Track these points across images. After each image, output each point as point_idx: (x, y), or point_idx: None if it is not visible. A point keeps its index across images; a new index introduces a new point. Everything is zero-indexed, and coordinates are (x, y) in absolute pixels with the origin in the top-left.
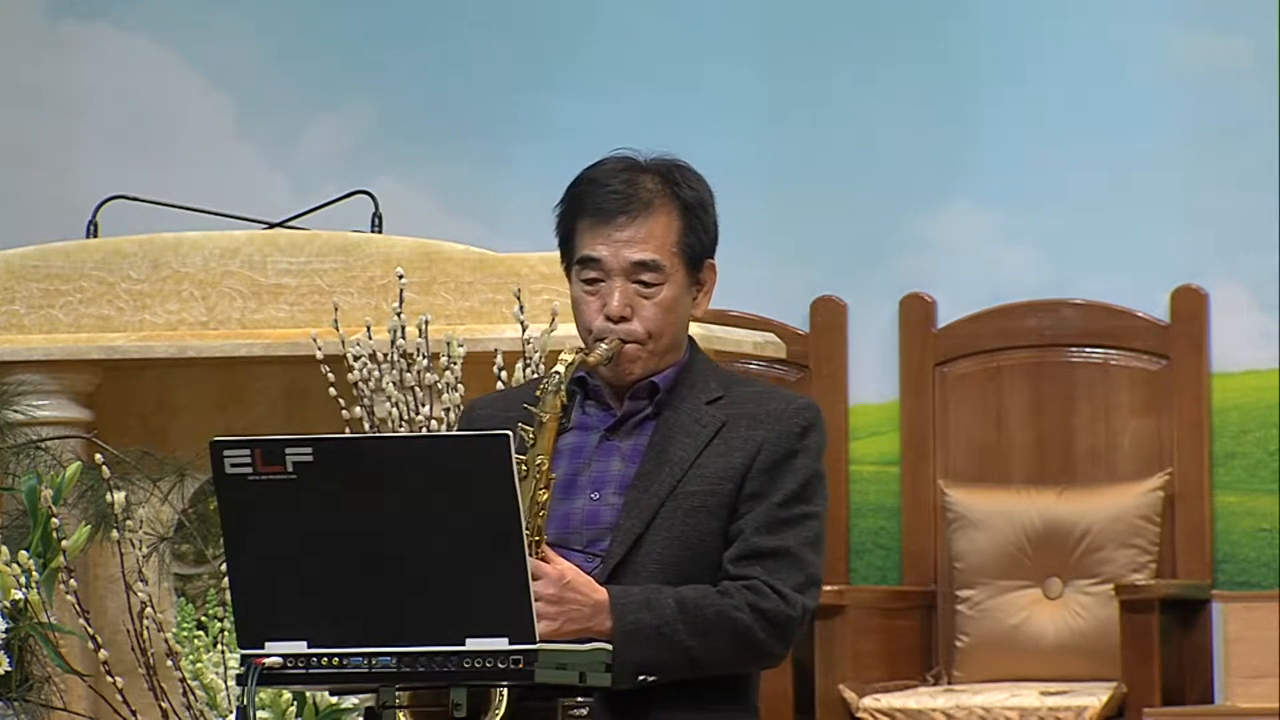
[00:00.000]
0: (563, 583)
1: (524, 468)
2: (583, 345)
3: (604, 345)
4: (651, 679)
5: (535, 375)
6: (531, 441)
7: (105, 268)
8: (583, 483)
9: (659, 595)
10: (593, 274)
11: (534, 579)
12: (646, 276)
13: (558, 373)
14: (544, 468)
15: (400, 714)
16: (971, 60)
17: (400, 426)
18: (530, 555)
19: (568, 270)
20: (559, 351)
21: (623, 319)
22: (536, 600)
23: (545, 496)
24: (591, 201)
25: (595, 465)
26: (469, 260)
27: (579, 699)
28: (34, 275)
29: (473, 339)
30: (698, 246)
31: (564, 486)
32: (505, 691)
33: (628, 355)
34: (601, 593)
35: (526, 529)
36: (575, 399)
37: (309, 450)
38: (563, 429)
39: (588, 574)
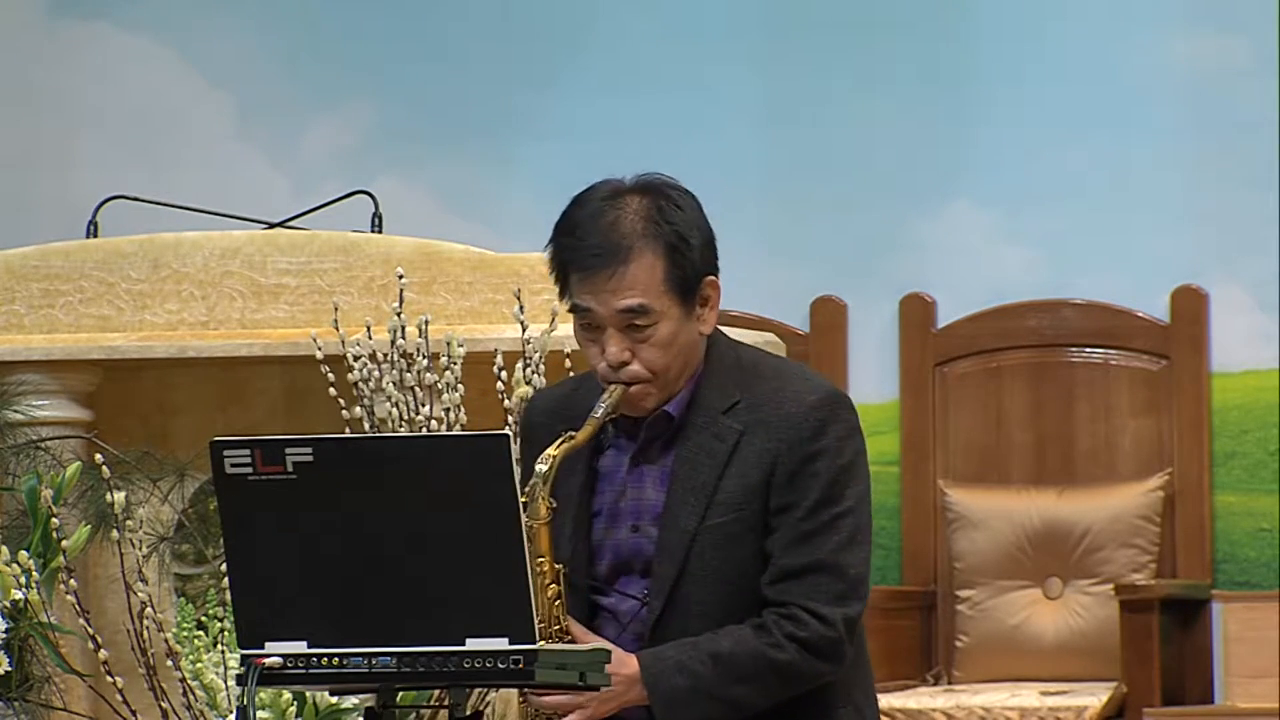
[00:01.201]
0: None
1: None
2: (570, 434)
3: (603, 403)
4: None
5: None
6: (531, 542)
7: (105, 268)
8: (621, 510)
9: (692, 653)
10: (587, 321)
11: None
12: (639, 321)
13: (540, 473)
14: (547, 566)
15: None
16: (971, 60)
17: (400, 426)
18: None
19: (569, 311)
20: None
21: (623, 364)
22: (568, 691)
23: (556, 590)
24: (573, 257)
25: (629, 492)
26: (469, 260)
27: None
28: (34, 275)
29: (473, 339)
30: (685, 279)
31: (610, 516)
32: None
33: (636, 395)
34: (632, 664)
35: (540, 620)
36: (604, 427)
37: (309, 450)
38: (599, 447)
39: (638, 618)
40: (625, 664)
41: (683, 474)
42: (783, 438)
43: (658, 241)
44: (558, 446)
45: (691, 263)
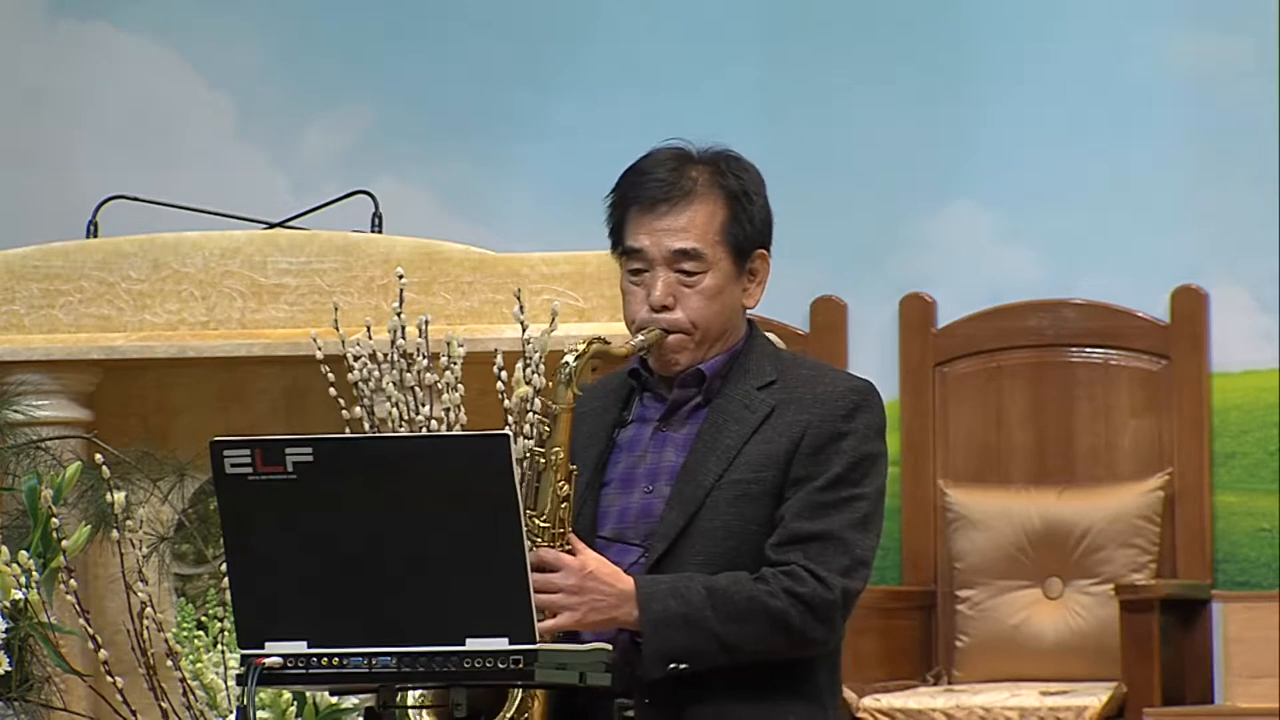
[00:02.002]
0: (584, 572)
1: (542, 460)
2: (599, 337)
3: (641, 336)
4: (683, 667)
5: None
6: (547, 433)
7: (105, 268)
8: (639, 475)
9: (688, 583)
10: (637, 264)
11: (555, 570)
12: (688, 265)
13: (568, 364)
14: (562, 458)
15: (426, 714)
16: (971, 60)
17: (400, 426)
18: (554, 547)
19: (618, 261)
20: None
21: (665, 308)
22: (557, 592)
23: (566, 489)
24: (636, 191)
25: (650, 457)
26: (469, 260)
27: (633, 699)
28: (34, 275)
29: (473, 339)
30: (743, 235)
31: (623, 481)
32: (517, 691)
33: (672, 345)
34: (627, 582)
35: (546, 521)
36: (633, 393)
37: (309, 450)
38: (622, 423)
39: (636, 566)
40: (620, 579)
41: (708, 436)
42: (815, 411)
43: (721, 191)
44: (588, 343)
45: (751, 220)
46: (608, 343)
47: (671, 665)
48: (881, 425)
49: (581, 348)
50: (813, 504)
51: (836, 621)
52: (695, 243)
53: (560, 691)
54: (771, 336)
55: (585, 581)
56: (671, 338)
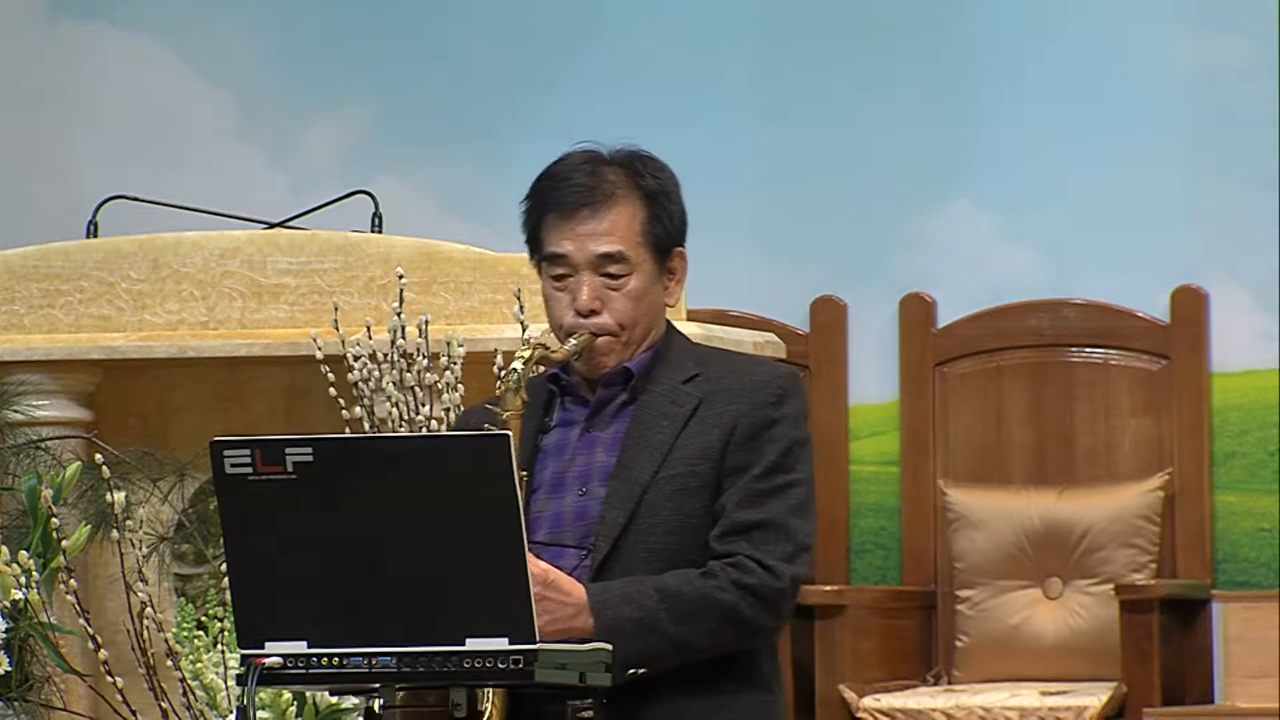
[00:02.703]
0: (545, 582)
1: None
2: (540, 343)
3: (573, 340)
4: (642, 672)
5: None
6: None
7: (105, 268)
8: (569, 479)
9: (640, 587)
10: (560, 270)
11: None
12: (613, 268)
13: (515, 369)
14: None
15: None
16: (971, 60)
17: (400, 426)
18: None
19: (537, 267)
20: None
21: (592, 312)
22: None
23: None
24: (555, 197)
25: (579, 459)
26: (469, 260)
27: (587, 700)
28: (34, 275)
29: (473, 339)
30: (663, 235)
31: (552, 485)
32: (494, 694)
33: (600, 348)
34: (581, 591)
35: None
36: (554, 397)
37: (309, 450)
38: (545, 428)
39: (578, 569)
40: (575, 589)
41: (638, 433)
42: (745, 400)
43: (639, 192)
44: (530, 348)
45: (671, 219)
46: (548, 348)
47: (630, 671)
48: (806, 411)
49: (528, 353)
50: (752, 492)
51: (785, 609)
52: (619, 245)
53: (512, 694)
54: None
55: (546, 591)
56: (600, 340)
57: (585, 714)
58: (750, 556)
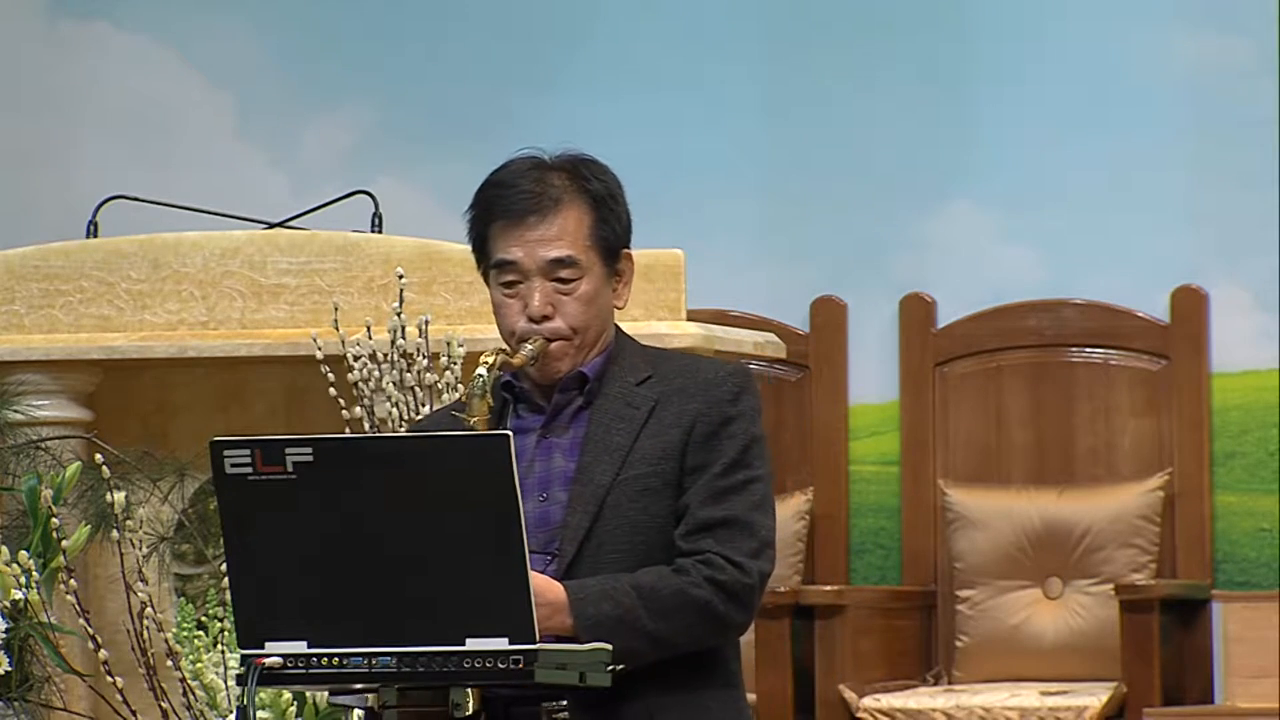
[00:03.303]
0: None
1: None
2: (500, 350)
3: (529, 346)
4: (620, 668)
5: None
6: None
7: (105, 268)
8: (529, 485)
9: (616, 584)
10: (511, 276)
11: None
12: (564, 273)
13: (481, 376)
14: None
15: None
16: (971, 60)
17: (400, 426)
18: None
19: (485, 275)
20: (480, 354)
21: (545, 318)
22: None
23: None
24: (502, 204)
25: (537, 465)
26: (469, 260)
27: (561, 701)
28: (34, 275)
29: (473, 339)
30: (611, 238)
31: None
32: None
33: (554, 353)
34: (558, 590)
35: None
36: (507, 405)
37: (309, 450)
38: None
39: (545, 575)
40: (551, 588)
41: (597, 437)
42: (702, 399)
43: (586, 196)
44: (493, 354)
45: (619, 220)
46: (510, 354)
47: (609, 668)
48: (760, 407)
49: (492, 359)
50: (714, 490)
51: (754, 604)
52: (569, 250)
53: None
54: (772, 335)
55: None
56: (554, 345)
57: (560, 715)
58: (718, 553)
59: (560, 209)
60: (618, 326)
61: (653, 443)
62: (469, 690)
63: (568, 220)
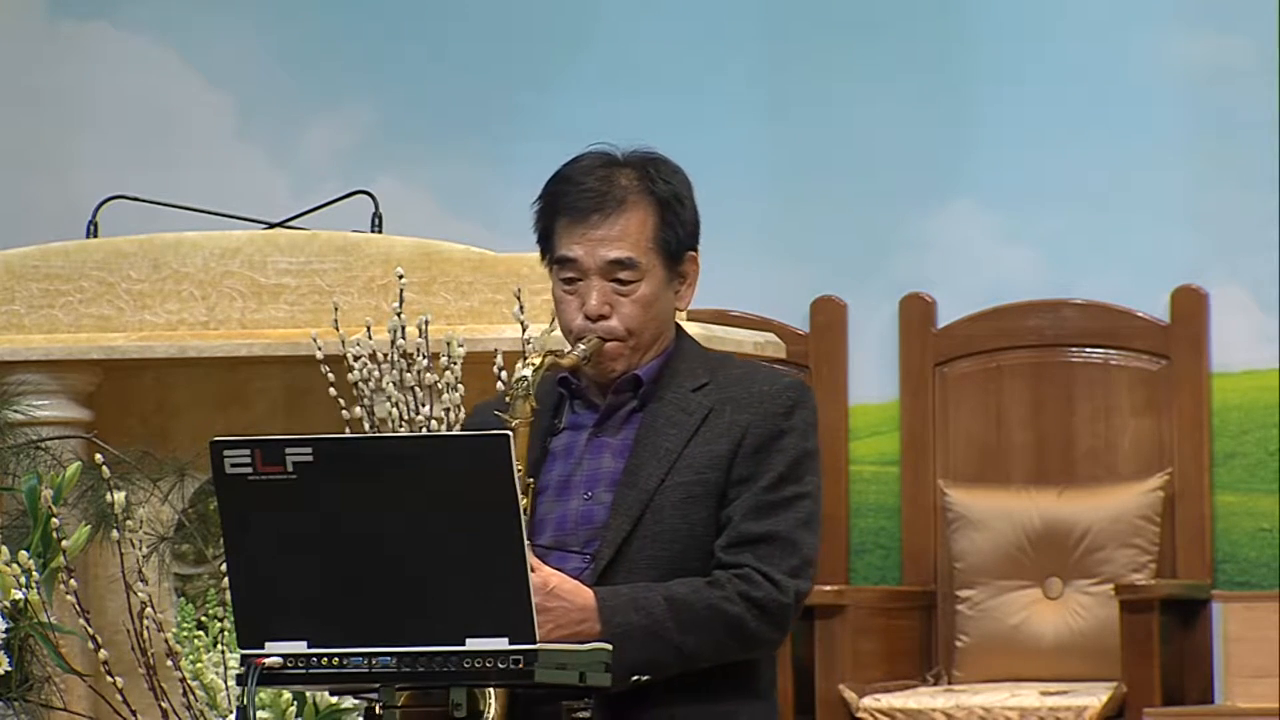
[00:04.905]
0: (546, 590)
1: None
2: (551, 351)
3: (582, 345)
4: (645, 678)
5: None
6: None
7: (105, 268)
8: (576, 482)
9: (647, 594)
10: (570, 274)
11: None
12: (623, 275)
13: (524, 377)
14: (520, 473)
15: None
16: (971, 60)
17: (400, 426)
18: None
19: (549, 268)
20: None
21: (601, 317)
22: None
23: (525, 502)
24: (566, 200)
25: (587, 463)
26: (469, 260)
27: (583, 700)
28: (34, 275)
29: (473, 339)
30: (674, 241)
31: (559, 488)
32: (495, 693)
33: (609, 353)
34: (588, 596)
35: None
36: (564, 400)
37: (309, 450)
38: (554, 430)
39: (581, 575)
40: (581, 594)
41: (647, 440)
42: (754, 410)
43: (651, 198)
44: (541, 355)
45: (683, 225)
46: (560, 355)
47: (634, 677)
48: (815, 422)
49: (537, 362)
50: (759, 504)
51: (788, 623)
52: (629, 251)
53: (511, 695)
54: (772, 335)
55: (547, 600)
56: (609, 345)
57: (582, 714)
58: (756, 569)
59: (624, 209)
60: (680, 328)
61: (701, 450)
62: (491, 697)
63: (630, 221)
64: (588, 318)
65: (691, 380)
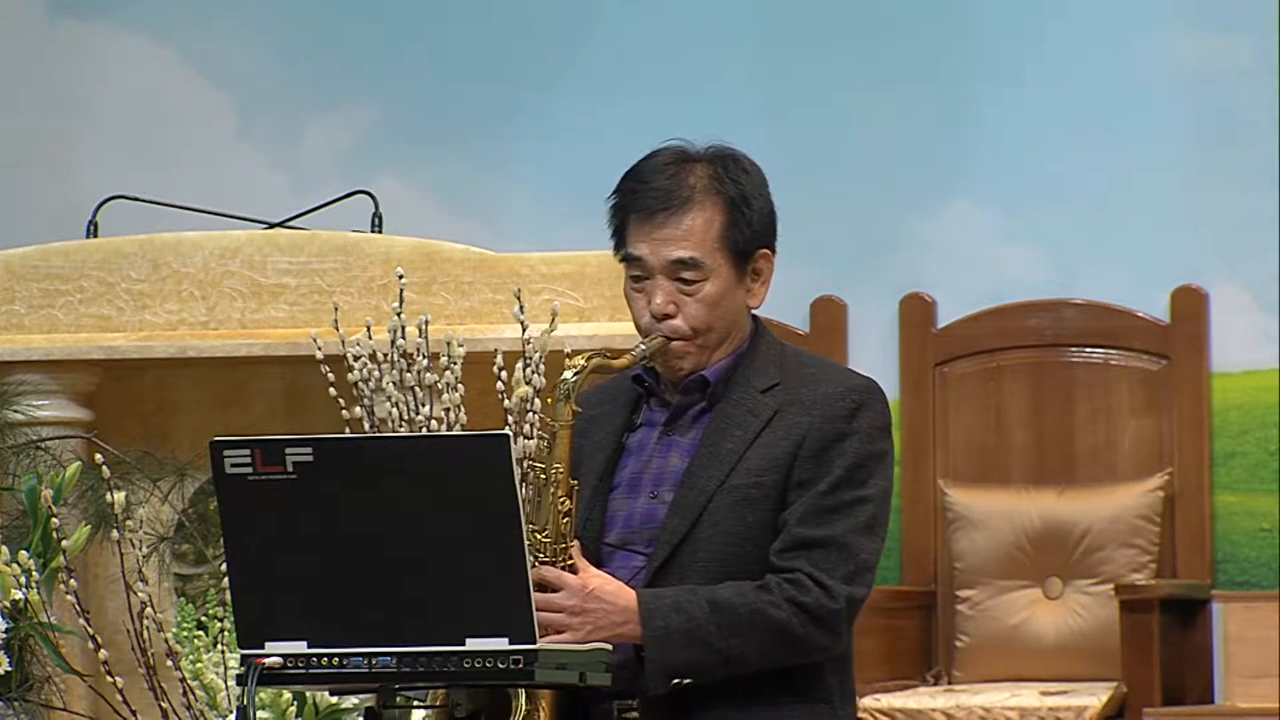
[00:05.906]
0: (585, 592)
1: (543, 475)
2: (601, 351)
3: (642, 345)
4: (687, 681)
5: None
6: (547, 449)
7: (105, 268)
8: (645, 480)
9: (691, 596)
10: (638, 272)
11: (556, 589)
12: (687, 274)
13: (566, 379)
14: (562, 474)
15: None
16: (971, 60)
17: (400, 426)
18: (556, 563)
19: (623, 263)
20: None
21: (666, 316)
22: (558, 612)
23: (568, 504)
24: (636, 199)
25: (655, 462)
26: (469, 260)
27: (632, 701)
28: (34, 275)
29: (473, 339)
30: (742, 240)
31: (630, 485)
32: (523, 694)
33: (675, 351)
34: (629, 597)
35: (548, 536)
36: (642, 398)
37: (309, 450)
38: (631, 426)
39: (641, 573)
40: (623, 595)
41: (711, 442)
42: (817, 413)
43: (719, 197)
44: (588, 359)
45: (750, 225)
46: (609, 358)
47: (675, 680)
48: (886, 424)
49: (581, 363)
50: (817, 509)
51: (840, 629)
52: (693, 251)
53: (563, 694)
54: None
55: (586, 602)
56: (675, 344)
57: (630, 715)
58: (808, 574)
59: (690, 209)
60: (758, 323)
61: (762, 453)
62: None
63: (696, 221)
64: (653, 316)
65: (762, 380)
